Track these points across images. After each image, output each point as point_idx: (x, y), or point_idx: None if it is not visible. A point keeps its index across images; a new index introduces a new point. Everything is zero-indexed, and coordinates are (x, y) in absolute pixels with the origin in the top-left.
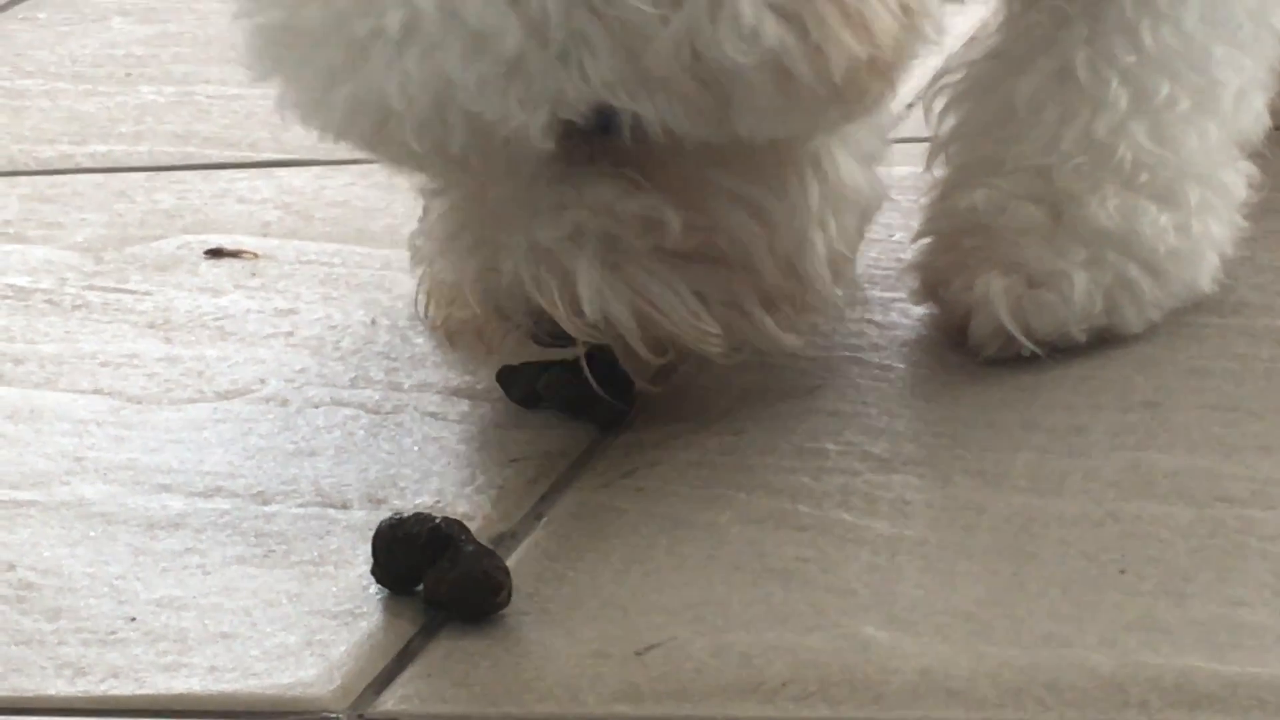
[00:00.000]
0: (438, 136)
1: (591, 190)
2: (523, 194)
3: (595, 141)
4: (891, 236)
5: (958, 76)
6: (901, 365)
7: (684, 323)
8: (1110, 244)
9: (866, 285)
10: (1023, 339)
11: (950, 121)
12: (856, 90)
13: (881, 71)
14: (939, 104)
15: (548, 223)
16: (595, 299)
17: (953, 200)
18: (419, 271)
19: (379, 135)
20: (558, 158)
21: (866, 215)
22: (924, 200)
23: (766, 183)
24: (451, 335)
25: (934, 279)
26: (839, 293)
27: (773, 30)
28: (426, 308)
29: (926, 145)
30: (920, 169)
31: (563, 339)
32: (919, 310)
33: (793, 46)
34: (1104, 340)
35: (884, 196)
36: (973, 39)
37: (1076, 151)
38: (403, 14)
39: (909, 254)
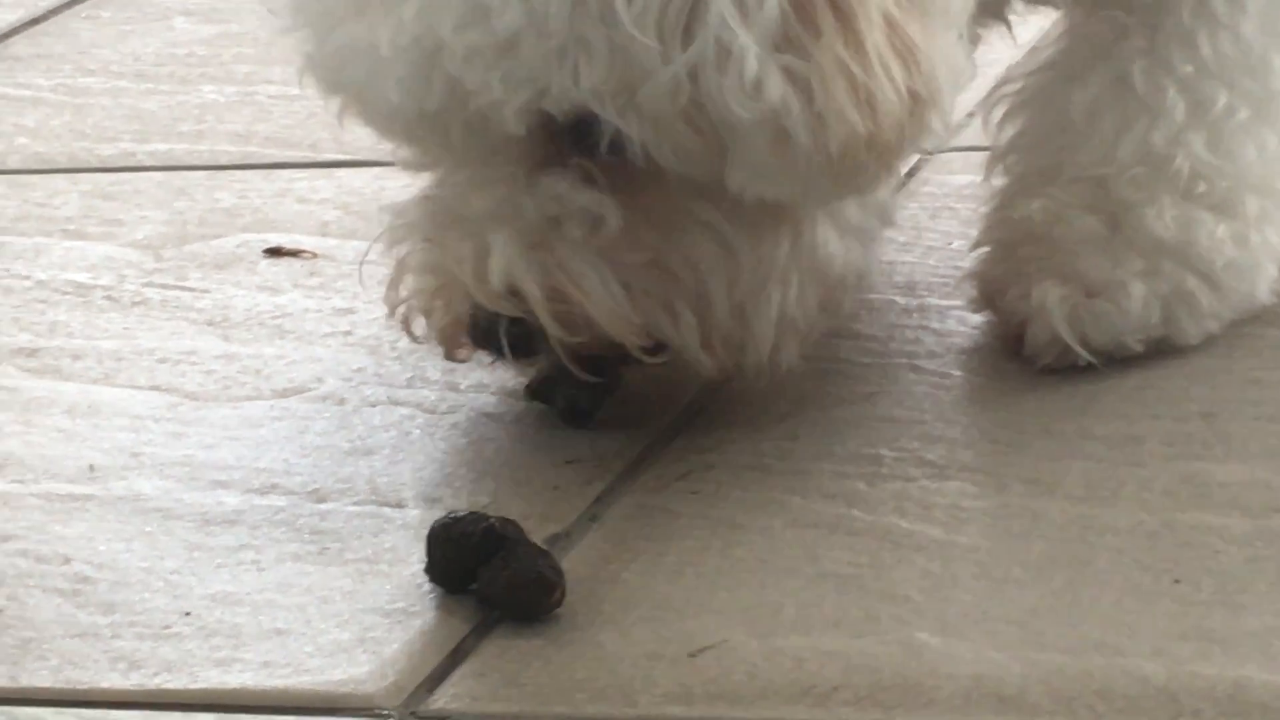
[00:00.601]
0: (418, 93)
1: (546, 179)
2: (480, 173)
3: (574, 146)
4: (950, 244)
5: (1016, 86)
6: (958, 373)
7: (601, 303)
8: (1167, 255)
9: (925, 293)
10: (1079, 349)
11: (1009, 131)
12: (851, 166)
13: (880, 152)
14: (998, 113)
15: (482, 195)
16: (504, 265)
17: (1010, 210)
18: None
19: (365, 85)
20: (533, 151)
21: (835, 289)
22: (982, 210)
23: (741, 224)
24: (446, 343)
25: (991, 288)
26: (774, 357)
27: (777, 89)
28: (407, 323)
29: (985, 154)
30: (978, 178)
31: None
32: (976, 318)
33: (795, 109)
34: (1160, 351)
35: (864, 274)
36: (1033, 49)
37: (1134, 162)
38: None
39: (967, 262)
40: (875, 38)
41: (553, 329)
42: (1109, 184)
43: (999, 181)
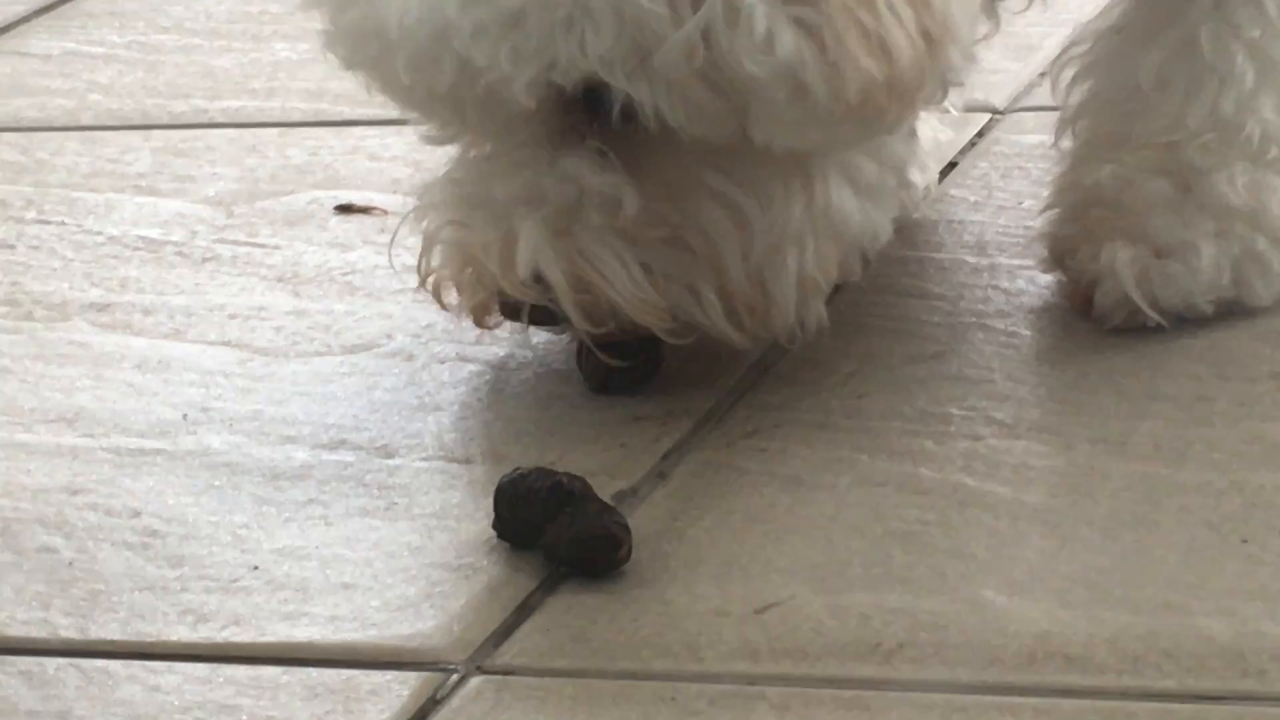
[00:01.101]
0: (428, 73)
1: (564, 161)
2: (502, 152)
3: (588, 118)
4: (1020, 204)
5: (1085, 48)
6: (1027, 332)
7: (625, 290)
8: (1239, 219)
9: (995, 252)
10: (1148, 310)
11: (1078, 94)
12: (873, 110)
13: (900, 94)
14: (1067, 75)
15: (506, 180)
16: (530, 255)
17: (1080, 176)
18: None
19: (378, 65)
20: (548, 125)
21: (853, 247)
22: (1052, 174)
23: (752, 189)
24: (477, 315)
25: (1061, 248)
26: (801, 318)
27: (789, 43)
28: (439, 293)
29: (1056, 114)
30: (1050, 137)
31: (545, 317)
32: (1046, 277)
33: (809, 61)
34: (1230, 312)
35: (881, 234)
36: (1104, 8)
37: (1204, 128)
38: None
39: (1037, 222)
40: None
41: (577, 319)
42: (1179, 150)
43: (1068, 145)
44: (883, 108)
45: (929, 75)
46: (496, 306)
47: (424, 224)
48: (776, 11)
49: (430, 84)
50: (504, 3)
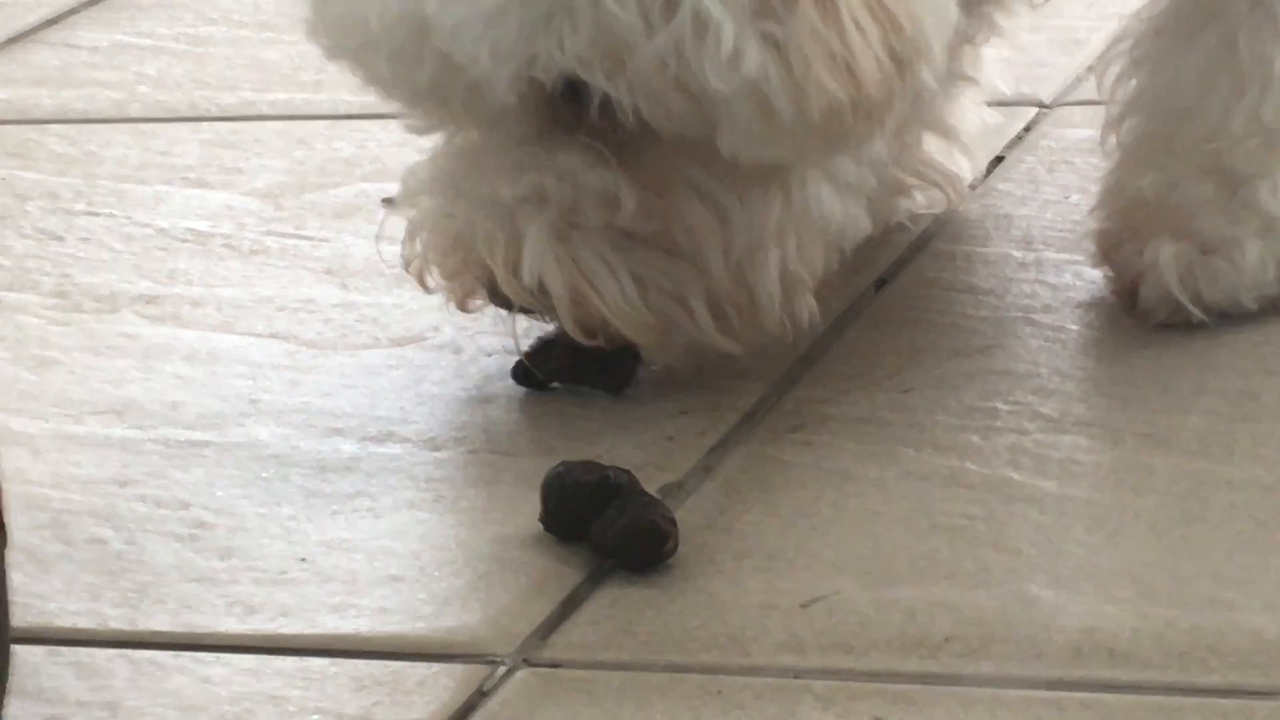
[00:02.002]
0: (409, 69)
1: (560, 156)
2: (494, 146)
3: (572, 112)
4: (1067, 198)
5: (1128, 45)
6: (1074, 327)
7: (617, 306)
8: None
9: (1041, 246)
10: (1190, 306)
11: (1122, 94)
12: (838, 130)
13: (866, 114)
14: (1112, 73)
15: (511, 180)
16: (536, 264)
17: (1125, 178)
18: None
19: (360, 59)
20: (534, 119)
21: (834, 244)
22: (1100, 173)
23: (732, 185)
24: (460, 300)
25: (1107, 243)
26: (788, 314)
27: (755, 60)
28: (421, 276)
29: (1101, 109)
30: (1096, 131)
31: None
32: (1092, 272)
33: (774, 79)
34: (1275, 309)
35: (861, 230)
36: (1147, 2)
37: (1246, 135)
38: None
39: (1084, 218)
40: (851, 4)
41: (571, 329)
42: (1222, 157)
43: (1114, 147)
44: (848, 127)
45: (897, 96)
46: (483, 292)
47: (412, 210)
48: (745, 28)
49: (411, 79)
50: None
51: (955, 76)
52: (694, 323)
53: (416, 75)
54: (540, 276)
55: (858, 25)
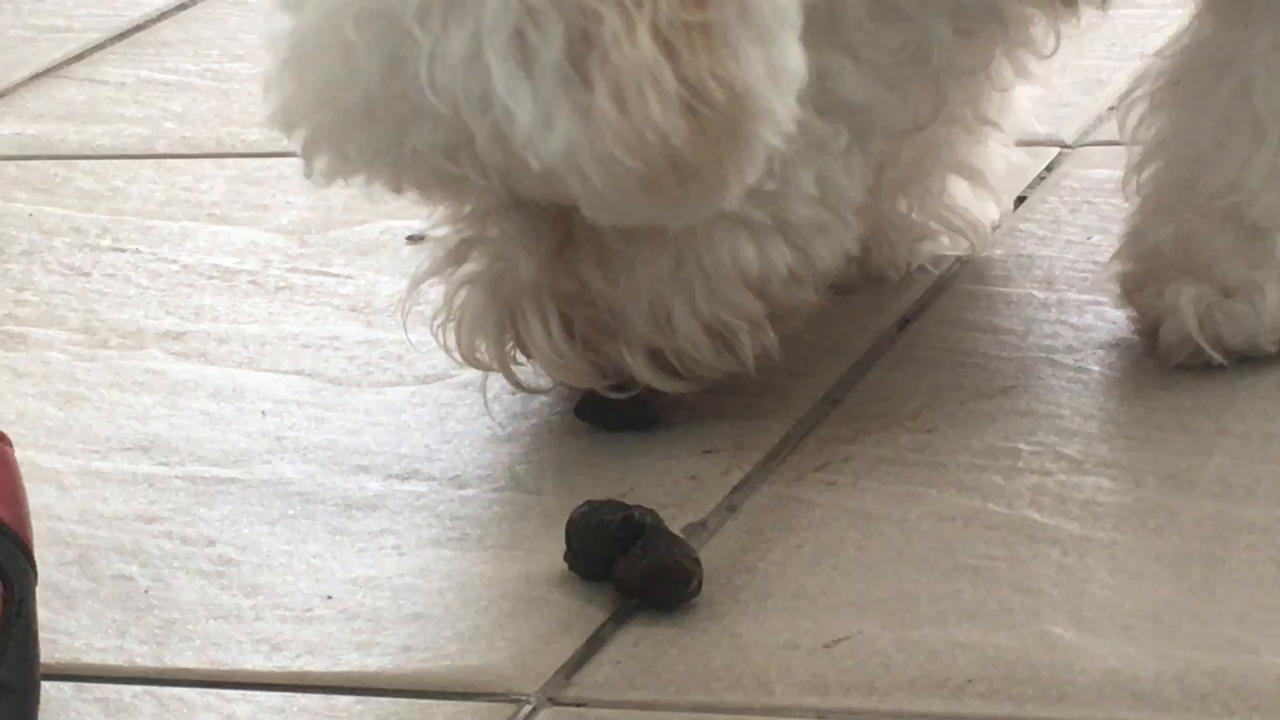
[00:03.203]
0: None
1: (500, 223)
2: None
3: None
4: (1089, 239)
5: (1150, 89)
6: (1096, 368)
7: (548, 359)
8: None
9: (1063, 286)
10: (1209, 349)
11: (1143, 139)
12: (668, 197)
13: (698, 180)
14: (1133, 118)
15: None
16: (471, 331)
17: (1147, 227)
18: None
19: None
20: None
21: (766, 280)
22: (1122, 216)
23: (629, 240)
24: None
25: (1129, 285)
26: (727, 352)
27: (562, 133)
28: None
29: (1123, 149)
30: (1118, 171)
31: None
32: (1115, 313)
33: (581, 153)
34: None
35: (819, 261)
36: (1172, 41)
37: (1265, 188)
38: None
39: (1106, 259)
40: (647, 79)
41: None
42: (1241, 209)
43: (1135, 195)
44: (680, 194)
45: (731, 161)
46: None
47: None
48: (554, 101)
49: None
50: (345, 101)
51: (982, 121)
52: (633, 361)
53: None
54: (474, 337)
55: (659, 96)
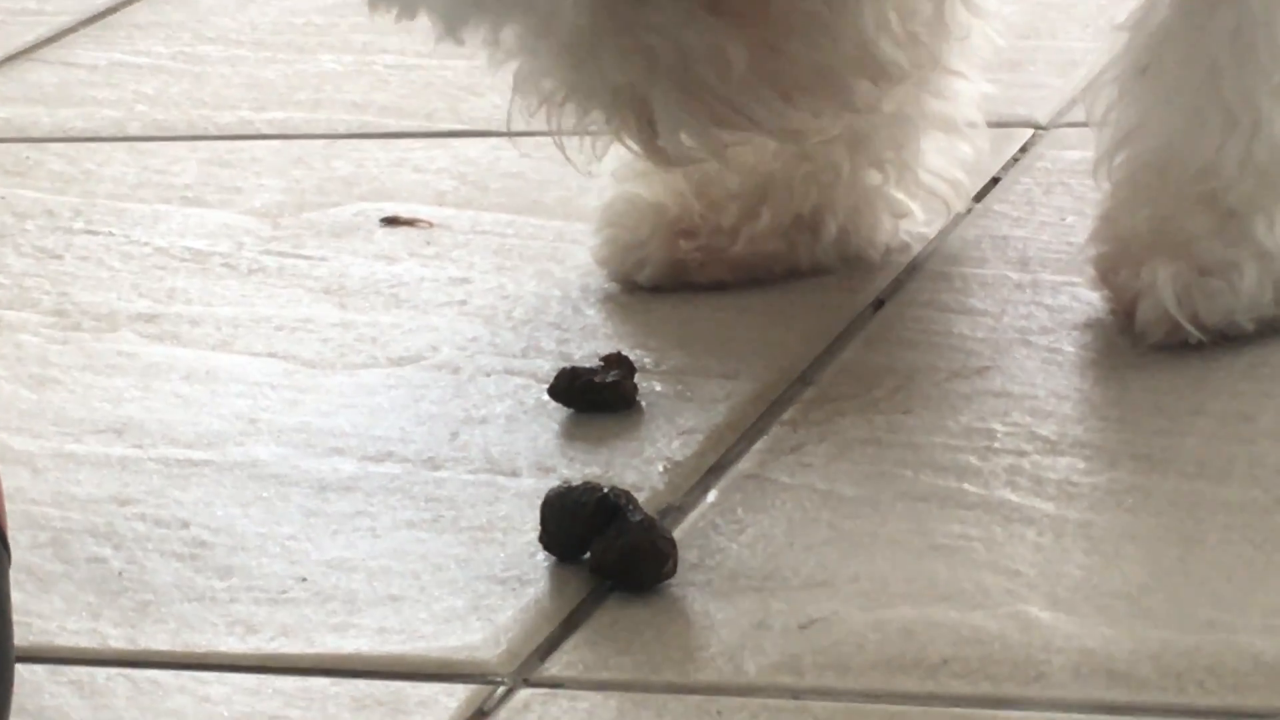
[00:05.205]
0: None
1: (658, 15)
2: (588, 26)
3: None
4: (1063, 220)
5: (1116, 73)
6: (1071, 348)
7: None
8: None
9: (1038, 268)
10: (1188, 326)
11: (1112, 123)
12: None
13: None
14: (1102, 101)
15: (620, 59)
16: (671, 126)
17: (1120, 213)
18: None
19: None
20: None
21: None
22: (1095, 203)
23: None
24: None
25: (1105, 266)
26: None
27: None
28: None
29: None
30: (1091, 153)
31: None
32: (1089, 294)
33: None
34: (1273, 331)
35: None
36: (1137, 14)
37: (1240, 175)
38: None
39: (1081, 238)
40: None
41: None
42: (1216, 196)
43: (1105, 179)
44: None
45: None
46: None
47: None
48: None
49: None
50: None
51: (946, 72)
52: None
53: None
54: (682, 135)
55: None
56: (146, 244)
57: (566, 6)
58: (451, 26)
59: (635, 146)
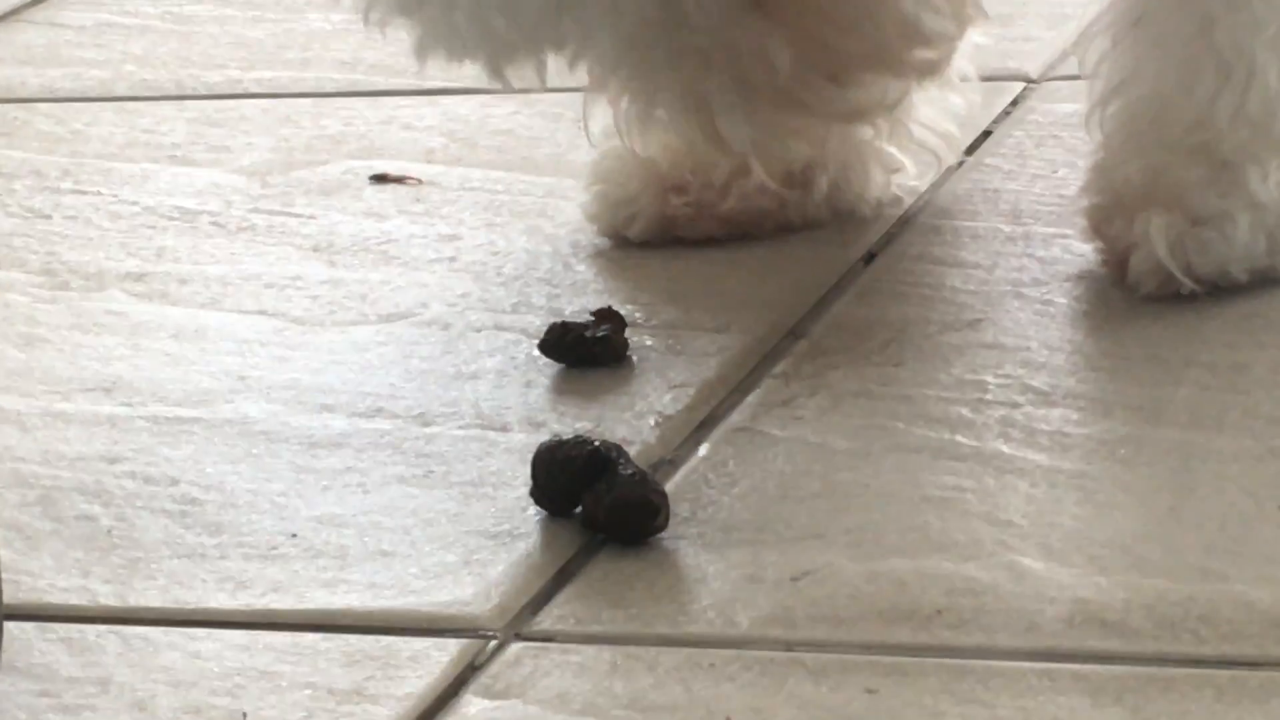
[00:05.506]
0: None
1: (702, 17)
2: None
3: None
4: (1055, 172)
5: (1109, 23)
6: (1063, 300)
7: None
8: (1271, 212)
9: (1030, 220)
10: (1181, 276)
11: (1104, 74)
12: None
13: None
14: (1094, 51)
15: (674, 59)
16: (733, 131)
17: (1113, 164)
18: None
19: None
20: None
21: None
22: (1087, 155)
23: None
24: None
25: (1097, 217)
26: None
27: None
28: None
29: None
30: (1082, 106)
31: None
32: (1081, 246)
33: None
34: (1266, 281)
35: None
36: None
37: (1232, 127)
38: None
39: (1072, 190)
40: None
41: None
42: (1209, 147)
43: (1097, 130)
44: None
45: None
46: None
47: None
48: None
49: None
50: None
51: None
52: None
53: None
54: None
55: None
56: (135, 203)
57: (620, 15)
58: (496, 67)
59: (700, 138)
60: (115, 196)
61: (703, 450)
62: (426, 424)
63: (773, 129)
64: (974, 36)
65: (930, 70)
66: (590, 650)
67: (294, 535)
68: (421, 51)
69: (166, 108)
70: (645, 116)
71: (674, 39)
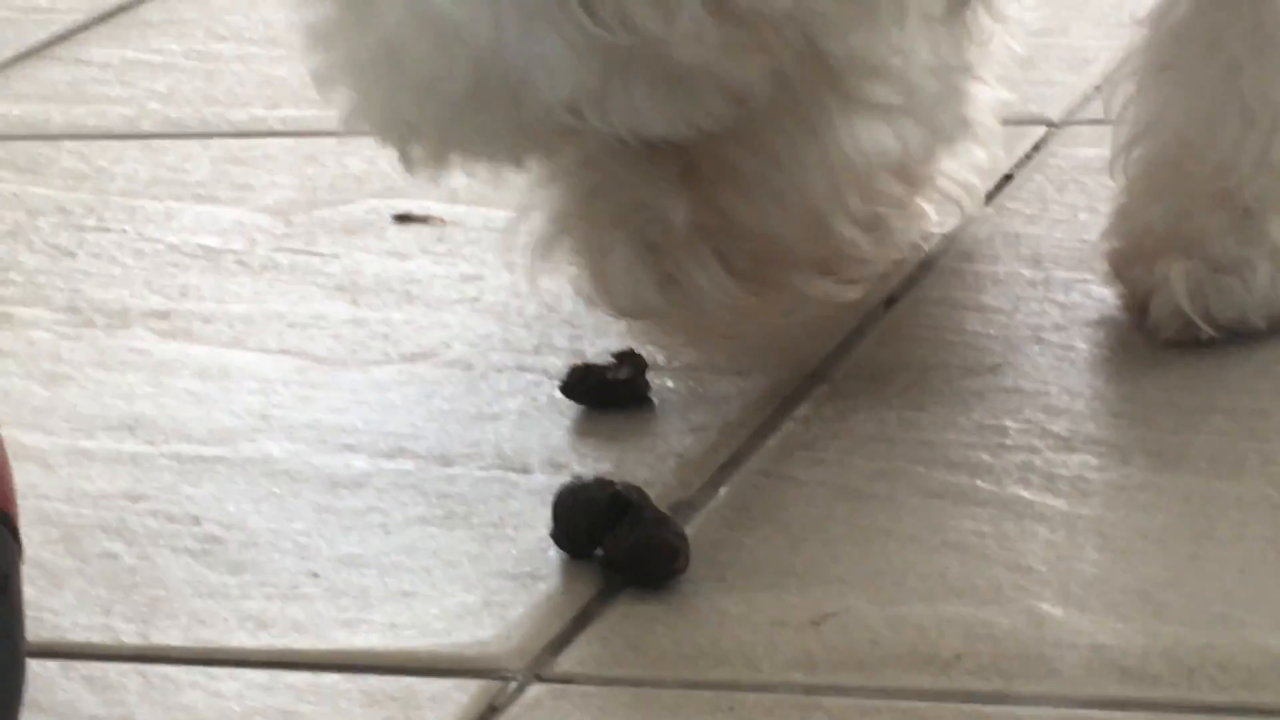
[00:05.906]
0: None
1: (620, 172)
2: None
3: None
4: (1076, 217)
5: (1135, 67)
6: (1083, 345)
7: (714, 299)
8: None
9: (1050, 265)
10: (1200, 322)
11: (1129, 119)
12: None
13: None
14: (1120, 95)
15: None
16: (623, 285)
17: (1135, 209)
18: None
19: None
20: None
21: (904, 164)
22: (1110, 198)
23: (769, 158)
24: None
25: (1118, 262)
26: (883, 245)
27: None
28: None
29: (1110, 128)
30: (1104, 152)
31: None
32: (1102, 291)
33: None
34: None
35: (939, 137)
36: (1156, 11)
37: (1256, 173)
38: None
39: (1093, 235)
40: None
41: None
42: (1232, 194)
43: (1121, 174)
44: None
45: None
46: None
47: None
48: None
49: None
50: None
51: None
52: (803, 285)
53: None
54: (632, 295)
55: None
56: (159, 241)
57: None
58: (406, 155)
59: (590, 291)
60: (139, 234)
61: (724, 493)
62: (448, 465)
63: (648, 302)
64: (998, 90)
65: (827, 297)
66: (610, 692)
67: (315, 575)
68: (349, 124)
69: (191, 145)
70: (550, 240)
71: (582, 178)
